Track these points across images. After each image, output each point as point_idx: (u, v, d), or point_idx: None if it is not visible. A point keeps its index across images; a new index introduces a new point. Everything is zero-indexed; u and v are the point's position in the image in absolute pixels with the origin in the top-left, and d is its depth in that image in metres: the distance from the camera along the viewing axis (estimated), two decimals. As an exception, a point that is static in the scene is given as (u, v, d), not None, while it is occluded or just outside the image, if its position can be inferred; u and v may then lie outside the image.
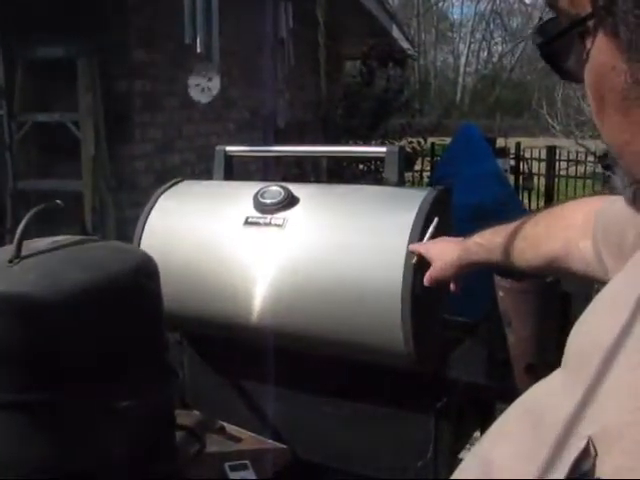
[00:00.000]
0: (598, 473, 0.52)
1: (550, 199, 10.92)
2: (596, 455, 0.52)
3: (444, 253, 1.57)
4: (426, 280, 1.60)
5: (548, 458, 0.59)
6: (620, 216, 0.93)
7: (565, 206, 1.31)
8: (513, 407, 0.75)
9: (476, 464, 0.74)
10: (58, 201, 1.62)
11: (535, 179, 11.28)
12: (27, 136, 4.15)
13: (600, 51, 0.61)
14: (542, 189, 11.21)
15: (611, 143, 0.65)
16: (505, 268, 1.50)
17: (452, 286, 1.63)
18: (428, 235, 1.64)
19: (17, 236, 1.39)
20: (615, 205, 0.98)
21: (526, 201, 10.59)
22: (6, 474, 1.35)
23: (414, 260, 1.61)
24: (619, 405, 0.54)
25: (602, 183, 9.99)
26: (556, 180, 11.22)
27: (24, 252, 1.38)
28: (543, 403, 0.69)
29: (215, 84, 4.16)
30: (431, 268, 1.59)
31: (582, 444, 0.53)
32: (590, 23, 0.61)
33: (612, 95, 0.61)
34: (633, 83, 0.58)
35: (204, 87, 4.15)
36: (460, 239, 1.58)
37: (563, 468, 0.54)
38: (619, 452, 0.51)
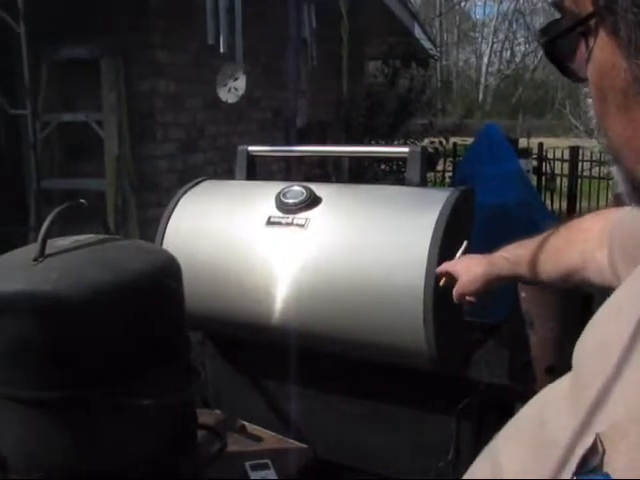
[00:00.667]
0: (606, 468, 0.52)
1: (573, 200, 10.83)
2: (604, 452, 0.53)
3: (470, 269, 1.55)
4: (455, 296, 1.58)
5: (557, 459, 0.59)
6: (638, 226, 0.92)
7: (584, 218, 1.31)
8: (523, 410, 0.76)
9: (486, 465, 0.74)
10: (82, 200, 1.63)
11: (558, 180, 11.19)
12: (51, 135, 4.18)
13: (601, 50, 0.62)
14: (565, 190, 11.12)
15: (613, 140, 0.66)
16: (530, 281, 1.48)
17: (472, 299, 1.60)
18: (458, 256, 1.63)
19: (41, 235, 1.40)
20: (633, 214, 0.97)
21: (548, 202, 10.51)
22: (28, 472, 1.36)
23: (442, 282, 1.60)
24: (626, 403, 0.55)
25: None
26: (579, 181, 11.13)
27: (48, 251, 1.39)
28: (552, 407, 0.70)
29: (241, 84, 4.17)
30: (458, 283, 1.57)
31: (590, 441, 0.54)
32: (592, 22, 0.62)
33: (613, 93, 0.62)
34: (633, 81, 0.59)
35: (231, 87, 4.15)
36: (485, 255, 1.57)
37: (571, 466, 0.55)
38: (626, 447, 0.52)
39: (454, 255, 1.66)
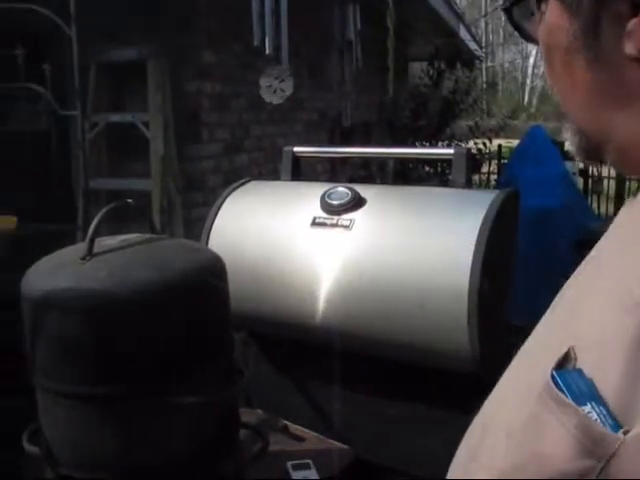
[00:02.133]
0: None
1: (620, 203, 10.66)
2: (576, 358, 0.60)
3: None
4: None
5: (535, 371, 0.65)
6: None
7: None
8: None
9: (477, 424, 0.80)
10: (129, 200, 1.65)
11: (605, 182, 11.04)
12: (99, 136, 4.24)
13: (551, 13, 0.71)
14: (612, 193, 10.97)
15: (558, 95, 0.75)
16: None
17: None
18: None
19: (89, 234, 1.42)
20: None
21: (595, 205, 10.38)
22: (76, 466, 1.38)
23: None
24: (590, 322, 0.63)
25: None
26: (627, 183, 10.97)
27: (95, 250, 1.41)
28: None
29: (288, 85, 4.19)
30: None
31: (564, 350, 0.61)
32: None
33: (558, 51, 0.71)
34: (573, 39, 0.68)
35: (276, 88, 4.17)
36: None
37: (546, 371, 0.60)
38: (596, 351, 0.59)
39: (498, 257, 1.64)
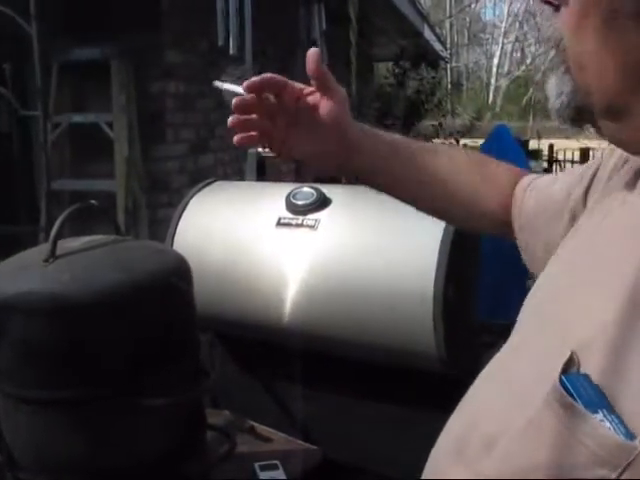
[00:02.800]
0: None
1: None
2: (579, 363, 0.58)
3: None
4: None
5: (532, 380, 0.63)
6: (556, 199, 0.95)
7: (490, 161, 1.24)
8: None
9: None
10: (92, 201, 1.63)
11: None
12: (62, 137, 4.20)
13: None
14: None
15: (579, 55, 0.69)
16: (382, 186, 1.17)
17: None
18: None
19: (52, 235, 1.41)
20: (553, 187, 1.00)
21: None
22: (38, 471, 1.36)
23: None
24: (591, 323, 0.60)
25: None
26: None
27: (58, 252, 1.40)
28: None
29: (248, 86, 4.17)
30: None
31: (567, 354, 0.59)
32: None
33: (597, 13, 0.65)
34: (620, 7, 0.63)
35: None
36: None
37: (551, 377, 0.59)
38: (596, 358, 0.57)
39: (464, 257, 1.65)
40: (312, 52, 0.97)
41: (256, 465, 1.77)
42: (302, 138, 1.03)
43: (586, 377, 0.56)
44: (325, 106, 1.00)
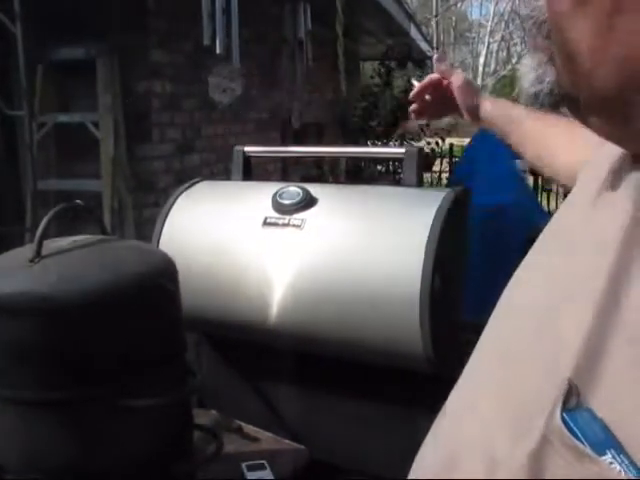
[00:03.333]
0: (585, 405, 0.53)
1: (569, 200, 10.82)
2: (579, 393, 0.53)
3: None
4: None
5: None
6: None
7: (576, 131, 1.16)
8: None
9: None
10: (78, 201, 1.63)
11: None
12: (47, 136, 4.18)
13: None
14: (561, 190, 11.14)
15: (570, 43, 0.60)
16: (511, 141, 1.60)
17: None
18: None
19: (37, 235, 1.40)
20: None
21: (545, 202, 10.53)
22: (25, 472, 1.36)
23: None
24: (585, 343, 0.56)
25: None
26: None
27: (44, 252, 1.39)
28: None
29: (238, 85, 4.18)
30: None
31: (564, 386, 0.54)
32: None
33: None
34: None
35: (225, 88, 4.16)
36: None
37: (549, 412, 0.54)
38: (601, 384, 0.53)
39: (450, 256, 1.65)
40: (436, 59, 1.70)
41: (243, 465, 1.76)
42: (451, 103, 1.65)
43: (589, 412, 0.52)
44: (456, 80, 1.63)
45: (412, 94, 1.71)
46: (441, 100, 1.68)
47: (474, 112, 1.62)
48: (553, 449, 0.52)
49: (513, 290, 0.78)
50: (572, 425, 0.51)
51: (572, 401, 0.53)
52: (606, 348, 0.54)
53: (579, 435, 0.51)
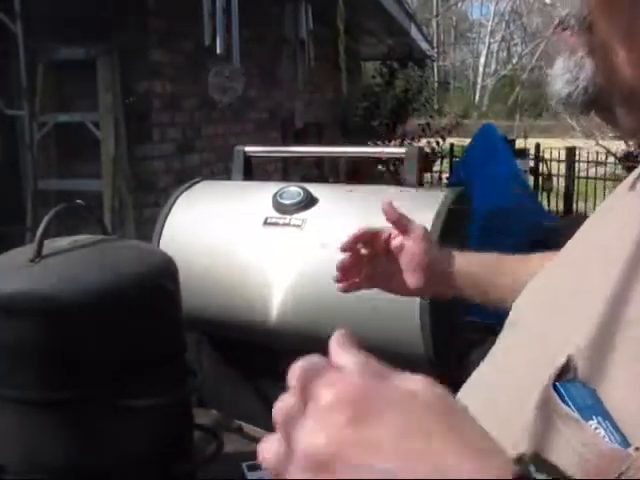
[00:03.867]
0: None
1: (569, 201, 10.85)
2: (576, 368, 0.56)
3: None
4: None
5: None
6: None
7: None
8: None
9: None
10: (79, 201, 1.63)
11: (554, 180, 11.20)
12: (48, 136, 4.18)
13: None
14: (562, 190, 11.14)
15: (609, 33, 0.63)
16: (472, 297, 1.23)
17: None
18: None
19: (38, 235, 1.40)
20: None
21: (545, 202, 10.53)
22: (26, 472, 1.36)
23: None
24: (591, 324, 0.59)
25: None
26: (576, 181, 11.14)
27: (45, 252, 1.39)
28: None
29: (238, 84, 4.18)
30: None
31: (562, 359, 0.57)
32: None
33: None
34: None
35: (226, 87, 4.16)
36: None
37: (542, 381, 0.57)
38: (597, 359, 0.56)
39: None
40: (386, 204, 1.20)
41: (244, 465, 1.76)
42: (397, 277, 1.21)
43: (582, 383, 0.55)
44: (408, 249, 1.18)
45: (343, 244, 1.25)
46: (378, 263, 1.25)
47: (441, 283, 1.19)
48: (545, 418, 0.55)
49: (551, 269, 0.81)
50: (563, 392, 0.55)
51: (569, 376, 0.56)
52: (611, 339, 0.56)
53: (568, 401, 0.54)
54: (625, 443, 0.50)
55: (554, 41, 0.71)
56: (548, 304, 0.71)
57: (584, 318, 0.60)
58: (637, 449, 0.49)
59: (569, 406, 0.54)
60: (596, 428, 0.52)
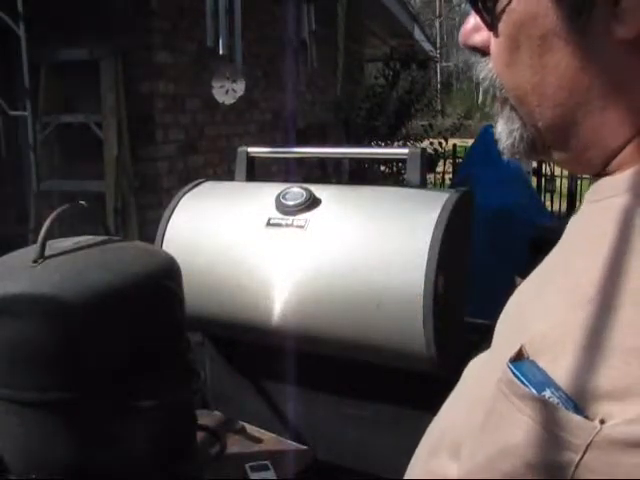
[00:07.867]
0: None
1: (573, 201, 10.84)
2: (529, 355, 0.60)
3: None
4: None
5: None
6: None
7: None
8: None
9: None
10: (82, 202, 1.63)
11: (557, 181, 11.19)
12: (51, 137, 4.19)
13: (526, 2, 0.67)
14: (565, 191, 11.13)
15: (517, 88, 0.72)
16: None
17: None
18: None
19: (41, 236, 1.40)
20: None
21: (548, 203, 10.52)
22: (28, 473, 1.36)
23: None
24: (546, 320, 0.62)
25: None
26: (579, 182, 11.13)
27: (47, 252, 1.39)
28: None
29: (240, 86, 4.18)
30: None
31: (516, 348, 0.61)
32: None
33: (529, 42, 0.68)
34: (557, 24, 0.65)
35: (228, 88, 4.16)
36: None
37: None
38: (547, 345, 0.59)
39: (453, 257, 1.65)
40: None
41: (247, 466, 1.76)
42: None
43: (533, 362, 0.59)
44: None
45: None
46: None
47: None
48: (504, 397, 0.59)
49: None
50: (515, 371, 0.59)
51: (523, 360, 0.60)
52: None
53: (522, 379, 0.58)
54: (579, 411, 0.53)
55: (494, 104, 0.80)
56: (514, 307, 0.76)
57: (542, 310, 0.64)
58: (602, 421, 0.52)
59: (522, 382, 0.57)
60: (550, 397, 0.55)
